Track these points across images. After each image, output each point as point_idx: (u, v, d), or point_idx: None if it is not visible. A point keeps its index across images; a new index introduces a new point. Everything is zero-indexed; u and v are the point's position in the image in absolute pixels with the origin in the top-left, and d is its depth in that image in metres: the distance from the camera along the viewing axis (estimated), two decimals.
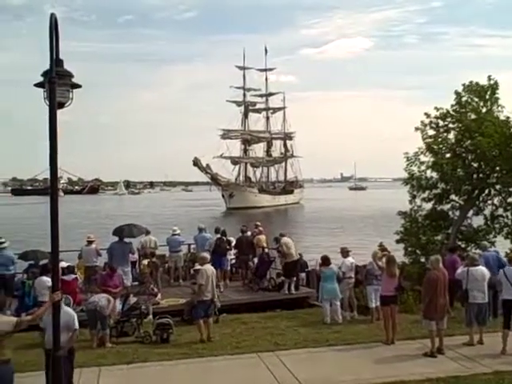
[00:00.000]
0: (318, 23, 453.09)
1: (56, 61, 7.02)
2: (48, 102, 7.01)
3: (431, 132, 20.42)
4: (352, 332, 13.00)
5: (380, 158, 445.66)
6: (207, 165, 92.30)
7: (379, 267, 13.05)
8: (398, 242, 20.56)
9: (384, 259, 12.91)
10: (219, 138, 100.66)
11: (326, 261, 14.61)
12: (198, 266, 13.69)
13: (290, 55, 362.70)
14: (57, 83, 6.96)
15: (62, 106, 7.20)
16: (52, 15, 7.00)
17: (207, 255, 14.16)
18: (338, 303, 14.30)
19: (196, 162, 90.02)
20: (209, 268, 12.94)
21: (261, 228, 20.03)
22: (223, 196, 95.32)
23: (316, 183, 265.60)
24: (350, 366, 10.50)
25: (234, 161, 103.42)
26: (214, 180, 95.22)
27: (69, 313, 8.40)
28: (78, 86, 7.42)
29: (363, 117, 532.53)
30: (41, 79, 7.19)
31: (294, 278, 17.41)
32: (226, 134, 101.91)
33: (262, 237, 19.26)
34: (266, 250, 18.66)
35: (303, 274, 18.61)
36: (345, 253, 15.07)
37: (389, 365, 10.57)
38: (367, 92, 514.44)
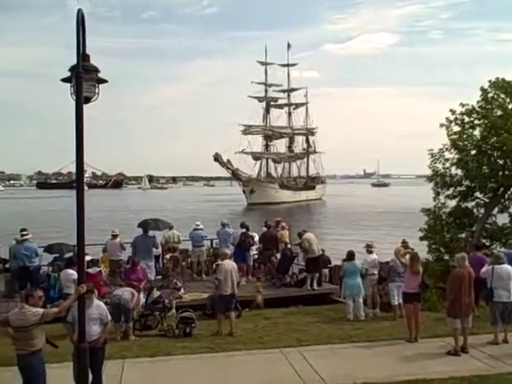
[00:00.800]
0: (341, 19, 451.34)
1: (83, 56, 7.08)
2: (75, 97, 7.07)
3: (456, 128, 20.17)
4: (375, 329, 12.94)
5: (403, 154, 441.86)
6: (228, 160, 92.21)
7: (402, 264, 12.96)
8: (421, 239, 20.38)
9: (407, 256, 12.82)
10: (240, 134, 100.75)
11: (350, 256, 14.56)
12: (219, 261, 13.74)
13: (313, 51, 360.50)
14: (83, 78, 7.02)
15: (88, 100, 7.26)
16: (79, 11, 7.06)
17: (228, 251, 14.24)
18: (361, 300, 14.25)
19: (217, 158, 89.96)
20: (229, 263, 13.05)
21: (284, 224, 20.03)
22: (244, 191, 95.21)
23: (339, 179, 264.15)
24: (372, 363, 10.44)
25: (256, 156, 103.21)
26: (235, 175, 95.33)
27: (101, 306, 8.53)
28: (104, 81, 7.48)
29: (387, 113, 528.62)
30: (67, 74, 7.26)
31: (317, 274, 17.38)
32: (248, 130, 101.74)
33: (285, 232, 19.25)
34: (289, 246, 18.66)
35: (326, 270, 18.55)
36: (368, 249, 15.01)
37: (412, 362, 10.48)
38: (391, 88, 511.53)
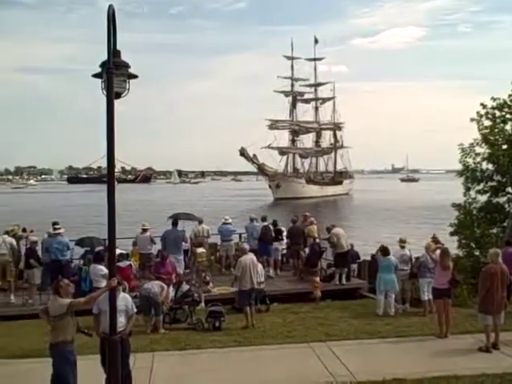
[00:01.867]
0: (368, 13, 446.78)
1: (113, 52, 7.12)
2: (106, 93, 7.12)
3: (487, 123, 19.84)
4: (404, 324, 12.84)
5: (433, 149, 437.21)
6: (254, 155, 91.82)
7: (433, 260, 12.85)
8: (451, 234, 20.13)
9: (438, 252, 12.70)
10: (267, 129, 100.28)
11: (384, 251, 14.47)
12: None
13: (341, 45, 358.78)
14: (114, 74, 7.07)
15: (119, 96, 7.29)
16: (110, 7, 7.09)
17: (247, 246, 14.27)
18: (393, 295, 14.16)
19: (243, 152, 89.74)
20: (247, 258, 13.14)
21: (312, 218, 20.00)
22: (270, 186, 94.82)
23: (367, 174, 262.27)
24: (402, 358, 10.37)
25: (282, 151, 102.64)
26: (261, 170, 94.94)
27: (127, 298, 8.62)
28: (134, 77, 7.50)
29: (416, 107, 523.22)
30: (97, 70, 7.33)
31: (346, 269, 17.33)
32: (274, 125, 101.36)
33: (313, 227, 19.21)
34: (317, 241, 18.62)
35: (355, 265, 18.46)
36: (401, 244, 14.94)
37: (442, 359, 10.38)
38: (420, 82, 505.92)
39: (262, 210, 54.72)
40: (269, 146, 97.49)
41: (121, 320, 7.93)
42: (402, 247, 14.96)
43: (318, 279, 16.18)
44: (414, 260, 15.25)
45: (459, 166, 20.47)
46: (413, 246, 17.98)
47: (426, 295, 13.73)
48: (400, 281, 14.59)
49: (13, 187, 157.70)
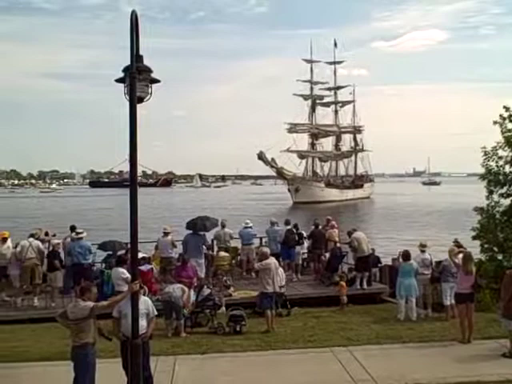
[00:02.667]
0: (390, 16, 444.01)
1: (136, 56, 7.18)
2: (128, 97, 7.18)
3: (511, 126, 19.63)
4: (426, 329, 12.74)
5: (454, 152, 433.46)
6: (272, 159, 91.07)
7: (455, 264, 12.73)
8: (474, 238, 19.90)
9: (460, 256, 12.58)
10: (286, 132, 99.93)
11: (406, 256, 14.37)
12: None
13: (362, 48, 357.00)
14: (137, 78, 7.13)
15: (141, 100, 7.35)
16: (133, 12, 7.17)
17: (267, 250, 14.26)
18: (414, 300, 14.05)
19: (261, 156, 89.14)
20: (269, 262, 13.13)
21: (333, 222, 19.95)
22: (289, 190, 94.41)
23: (387, 178, 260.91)
24: (424, 363, 10.28)
25: (301, 155, 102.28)
26: (280, 174, 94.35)
27: (148, 301, 8.66)
28: (156, 81, 7.56)
29: (438, 110, 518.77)
30: (118, 75, 7.38)
31: (367, 274, 17.24)
32: (293, 128, 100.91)
33: (335, 231, 19.17)
34: (338, 245, 18.55)
35: (376, 270, 18.35)
36: (421, 248, 14.82)
37: (465, 364, 10.28)
38: (442, 85, 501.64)
39: (281, 214, 54.63)
40: (288, 150, 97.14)
41: (142, 323, 7.97)
42: (423, 251, 14.83)
43: (344, 283, 16.09)
44: (434, 264, 15.12)
45: (482, 170, 20.26)
46: (434, 250, 17.86)
47: (449, 300, 13.59)
48: (421, 285, 14.48)
49: (41, 191, 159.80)
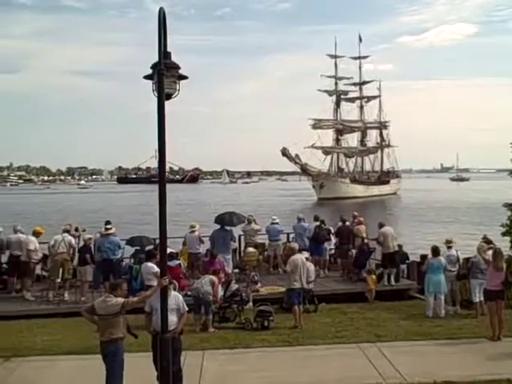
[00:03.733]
0: (416, 10, 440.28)
1: (164, 53, 7.23)
2: (156, 94, 7.24)
3: None
4: (455, 326, 12.61)
5: (483, 148, 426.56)
6: (296, 155, 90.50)
7: (485, 261, 12.58)
8: (503, 234, 19.64)
9: (490, 252, 12.43)
10: (310, 128, 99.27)
11: (434, 251, 14.24)
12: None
13: (388, 44, 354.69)
14: (165, 75, 7.18)
15: (169, 97, 7.41)
16: (160, 9, 7.23)
17: (295, 245, 14.24)
18: (443, 297, 13.93)
19: (284, 152, 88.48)
20: (297, 257, 13.16)
21: (361, 218, 19.87)
22: (313, 186, 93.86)
23: (415, 174, 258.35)
24: (453, 361, 10.21)
25: (326, 151, 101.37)
26: (304, 170, 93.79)
27: (178, 297, 8.74)
28: (184, 78, 7.61)
29: (466, 105, 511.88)
30: (146, 72, 7.45)
31: (394, 270, 17.13)
32: (317, 124, 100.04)
33: (362, 227, 19.07)
34: (366, 241, 18.47)
35: (404, 266, 18.21)
36: (448, 244, 14.67)
37: (494, 362, 10.17)
38: (470, 80, 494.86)
39: (306, 210, 54.46)
40: (312, 146, 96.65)
41: (172, 318, 8.04)
42: (449, 247, 14.68)
43: (372, 277, 16.00)
44: (462, 261, 14.96)
45: (511, 165, 19.97)
46: (463, 246, 17.68)
47: (478, 297, 13.44)
48: (448, 282, 14.35)
49: (79, 187, 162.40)
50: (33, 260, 16.09)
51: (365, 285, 16.11)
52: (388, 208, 73.91)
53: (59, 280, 15.88)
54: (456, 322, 13.08)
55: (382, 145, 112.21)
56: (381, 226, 17.51)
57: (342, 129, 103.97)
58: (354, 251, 18.33)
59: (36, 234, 16.39)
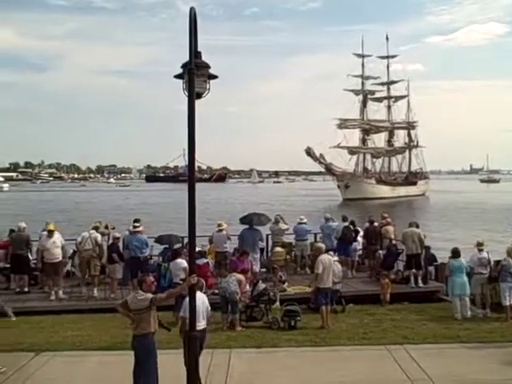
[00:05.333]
0: (445, 10, 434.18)
1: (195, 53, 7.26)
2: (187, 93, 7.27)
3: None
4: (485, 330, 12.45)
5: None
6: (321, 154, 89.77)
7: None
8: None
9: None
10: (336, 128, 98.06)
11: (455, 253, 14.12)
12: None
13: (417, 44, 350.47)
14: (195, 74, 7.20)
15: (199, 96, 7.41)
16: (191, 9, 7.24)
17: (323, 245, 14.21)
18: (467, 298, 13.78)
19: (309, 152, 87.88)
20: (325, 258, 13.13)
21: (389, 219, 19.74)
22: (338, 186, 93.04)
23: (444, 175, 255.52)
24: (482, 364, 10.07)
25: (352, 151, 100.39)
26: (329, 170, 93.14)
27: (205, 300, 8.81)
28: (214, 77, 7.61)
29: (496, 106, 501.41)
30: (173, 71, 7.49)
31: (421, 271, 17.00)
32: (343, 124, 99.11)
33: (390, 228, 18.94)
34: (394, 242, 18.33)
35: (431, 268, 18.03)
36: (479, 247, 14.50)
37: None
38: (501, 80, 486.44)
39: (331, 211, 54.14)
40: (338, 146, 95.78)
41: (203, 323, 8.10)
42: (480, 250, 14.48)
43: (387, 281, 15.86)
44: (493, 263, 14.75)
45: None
46: (493, 248, 17.41)
47: (508, 300, 13.28)
48: (479, 284, 14.18)
49: (118, 185, 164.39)
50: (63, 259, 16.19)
51: (380, 288, 15.96)
52: (415, 209, 73.05)
53: (87, 276, 16.10)
54: (485, 326, 12.90)
55: (410, 145, 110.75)
56: (409, 226, 17.40)
57: (368, 129, 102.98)
58: (381, 252, 18.23)
59: (49, 232, 15.76)
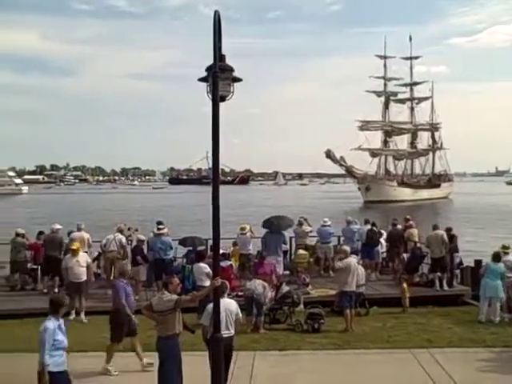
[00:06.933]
0: (468, 11, 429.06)
1: (219, 56, 7.30)
2: (211, 96, 7.30)
3: None
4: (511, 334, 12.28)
5: None
6: (341, 157, 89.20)
7: None
8: None
9: None
10: (357, 130, 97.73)
11: (495, 257, 13.99)
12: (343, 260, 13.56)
13: (439, 46, 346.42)
14: (219, 77, 7.24)
15: (223, 99, 7.45)
16: (216, 13, 7.30)
17: (348, 248, 14.15)
18: (498, 303, 13.61)
19: (328, 154, 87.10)
20: (350, 260, 13.12)
21: (411, 222, 19.61)
22: (359, 189, 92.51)
23: (469, 177, 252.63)
24: (508, 370, 9.95)
25: (373, 153, 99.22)
26: (349, 172, 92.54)
27: (235, 306, 8.79)
28: (238, 80, 7.66)
29: None
30: (198, 75, 7.52)
31: (445, 275, 16.83)
32: (365, 126, 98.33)
33: (414, 231, 18.81)
34: (418, 245, 18.19)
35: (457, 271, 17.86)
36: (504, 251, 14.33)
37: None
38: None
39: (352, 213, 53.72)
40: (359, 148, 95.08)
41: (226, 331, 8.12)
42: (506, 253, 14.33)
43: (404, 286, 15.69)
44: None
45: None
46: None
47: None
48: (505, 288, 14.01)
49: (153, 187, 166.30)
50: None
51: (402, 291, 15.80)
52: (437, 212, 72.10)
53: (111, 278, 16.22)
54: None
55: (434, 147, 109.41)
56: (433, 229, 17.27)
57: (390, 130, 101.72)
58: (405, 255, 18.10)
59: (73, 251, 14.61)
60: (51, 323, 7.04)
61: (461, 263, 18.24)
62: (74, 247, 14.60)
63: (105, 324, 11.82)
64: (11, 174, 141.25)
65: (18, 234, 17.53)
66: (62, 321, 7.29)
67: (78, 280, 14.12)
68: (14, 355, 10.91)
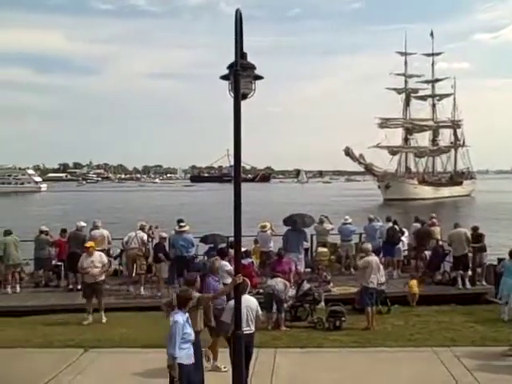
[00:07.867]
0: (491, 7, 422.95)
1: (241, 54, 7.32)
2: (233, 94, 7.33)
3: None
4: None
5: None
6: (360, 155, 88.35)
7: None
8: None
9: None
10: (377, 127, 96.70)
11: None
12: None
13: (462, 42, 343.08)
14: (241, 75, 7.26)
15: (245, 97, 7.46)
16: (237, 11, 7.31)
17: (370, 246, 14.09)
18: None
19: (347, 152, 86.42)
20: (371, 258, 13.09)
21: (434, 220, 19.48)
22: (379, 187, 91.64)
23: (492, 175, 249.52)
24: None
25: (393, 150, 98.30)
26: (368, 170, 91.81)
27: (255, 303, 8.80)
28: (260, 78, 7.66)
29: None
30: (219, 73, 7.55)
31: (468, 273, 16.72)
32: (385, 123, 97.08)
33: (437, 228, 18.71)
34: (441, 243, 18.07)
35: (479, 269, 17.69)
36: None
37: None
38: None
39: (372, 211, 53.30)
40: (377, 146, 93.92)
41: (246, 328, 8.15)
42: None
43: (414, 282, 15.60)
44: None
45: None
46: None
47: None
48: None
49: (184, 185, 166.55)
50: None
51: (408, 288, 15.71)
52: (459, 210, 71.27)
53: (133, 275, 16.38)
54: None
55: (456, 144, 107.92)
56: (454, 227, 17.16)
57: (411, 128, 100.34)
58: (427, 253, 18.00)
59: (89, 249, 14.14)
60: (180, 317, 7.04)
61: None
62: (88, 245, 14.32)
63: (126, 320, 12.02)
64: (31, 172, 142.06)
65: (41, 232, 17.80)
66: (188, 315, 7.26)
67: (93, 281, 13.76)
68: (35, 351, 11.11)
